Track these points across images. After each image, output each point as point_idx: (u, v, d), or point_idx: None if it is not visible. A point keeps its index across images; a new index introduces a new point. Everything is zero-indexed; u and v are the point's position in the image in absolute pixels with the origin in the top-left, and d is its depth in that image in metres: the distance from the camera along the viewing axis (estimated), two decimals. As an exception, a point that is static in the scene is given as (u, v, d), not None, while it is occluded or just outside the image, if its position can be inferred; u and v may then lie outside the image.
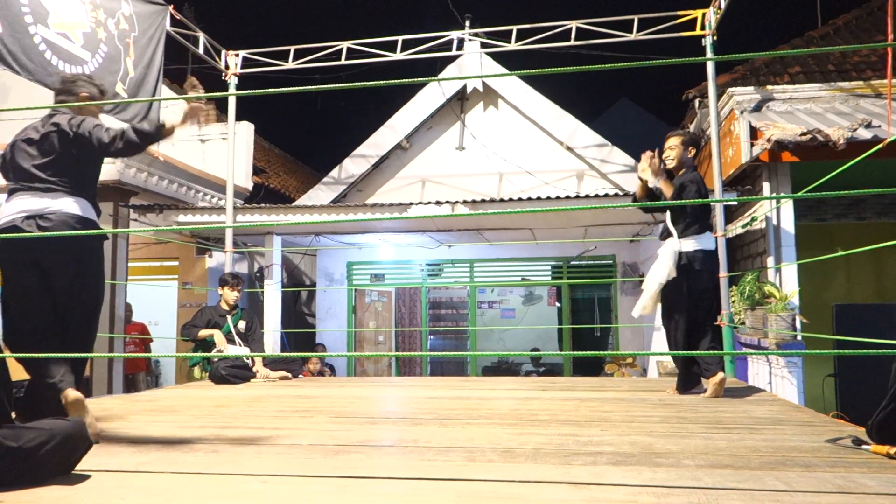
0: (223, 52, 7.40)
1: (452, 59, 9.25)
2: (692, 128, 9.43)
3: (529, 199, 7.65)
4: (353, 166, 9.82)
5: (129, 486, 2.15)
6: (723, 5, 6.20)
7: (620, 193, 7.79)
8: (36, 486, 2.13)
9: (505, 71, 9.61)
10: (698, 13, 6.50)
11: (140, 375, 8.69)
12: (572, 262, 9.75)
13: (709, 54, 6.48)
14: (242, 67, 7.49)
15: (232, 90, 7.45)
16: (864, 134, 6.04)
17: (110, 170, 7.53)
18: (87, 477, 2.24)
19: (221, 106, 12.91)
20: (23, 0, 4.46)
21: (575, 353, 2.28)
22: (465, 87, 9.64)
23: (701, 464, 2.36)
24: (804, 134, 6.00)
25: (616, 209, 7.28)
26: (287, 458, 2.57)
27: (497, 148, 9.62)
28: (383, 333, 10.25)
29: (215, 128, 10.25)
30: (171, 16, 6.39)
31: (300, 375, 6.24)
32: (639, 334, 9.27)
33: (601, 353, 2.55)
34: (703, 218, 4.36)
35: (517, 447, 2.69)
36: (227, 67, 7.44)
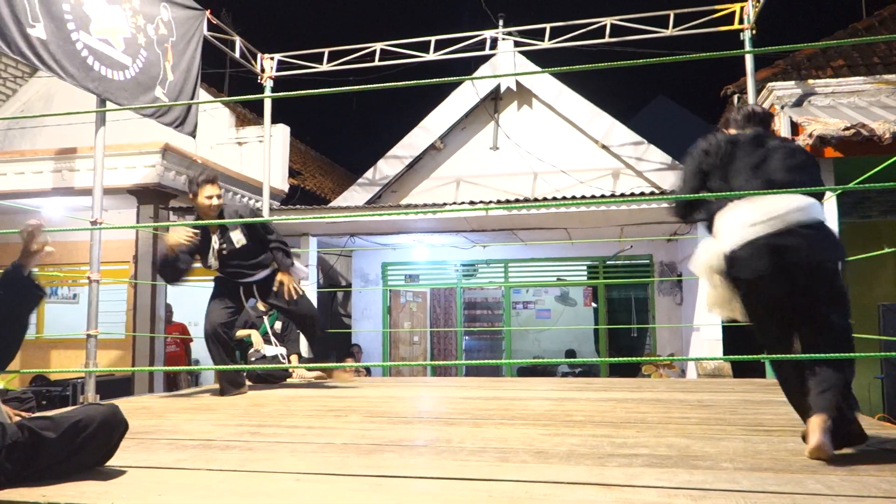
0: (259, 55, 7.50)
1: (486, 58, 9.23)
2: (731, 124, 9.24)
3: (564, 198, 7.58)
4: (387, 167, 9.87)
5: (166, 483, 2.19)
6: (761, -2, 6.07)
7: (657, 192, 7.69)
8: (76, 475, 2.19)
9: (538, 70, 9.56)
10: (736, 7, 6.37)
11: (181, 374, 8.86)
12: (608, 262, 9.65)
13: (747, 49, 6.35)
14: (278, 70, 7.58)
15: (268, 93, 7.54)
16: (912, 128, 5.85)
17: (150, 173, 7.70)
18: (125, 472, 2.29)
19: (258, 109, 13.11)
20: (65, 7, 4.58)
21: (608, 359, 2.25)
22: (498, 86, 9.61)
23: (739, 466, 2.31)
24: (847, 128, 5.83)
25: (653, 208, 7.16)
26: (321, 456, 2.59)
27: (531, 147, 9.57)
28: (418, 334, 10.28)
29: (252, 130, 10.40)
30: (208, 20, 6.50)
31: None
32: (677, 335, 9.13)
33: (636, 359, 2.51)
34: None
35: (551, 448, 2.67)
36: (262, 71, 7.54)
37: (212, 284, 4.99)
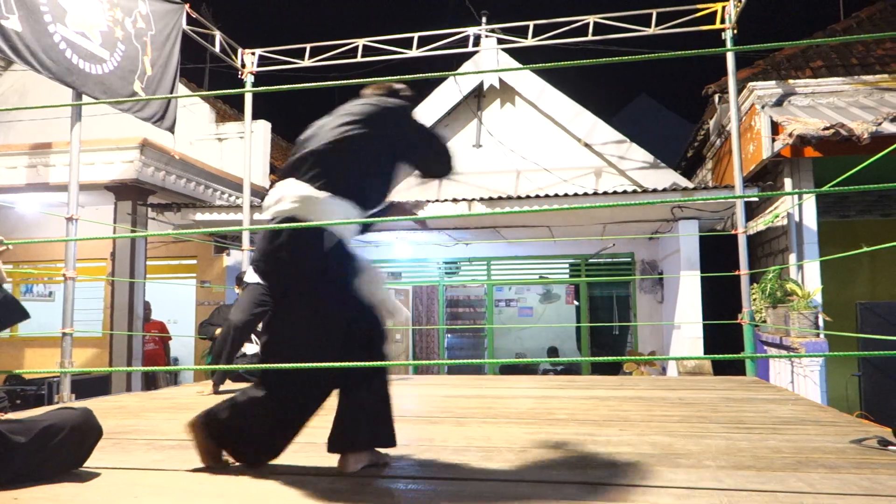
0: (239, 50, 7.42)
1: (469, 55, 9.21)
2: (712, 123, 9.32)
3: (547, 196, 7.59)
4: (369, 164, 9.81)
5: (142, 484, 2.15)
6: (743, -2, 6.10)
7: (639, 190, 7.71)
8: (49, 479, 2.13)
9: (520, 66, 9.54)
10: (718, 6, 6.40)
11: (160, 373, 8.75)
12: (590, 260, 9.67)
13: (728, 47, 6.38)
14: (259, 66, 7.50)
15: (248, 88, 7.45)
16: (889, 128, 5.91)
17: (128, 168, 7.59)
18: (100, 474, 2.24)
19: (238, 105, 12.99)
20: (41, -1, 4.49)
21: (591, 359, 2.24)
22: (481, 84, 9.60)
23: (722, 464, 2.31)
24: (827, 128, 5.89)
25: (634, 206, 7.18)
26: (303, 455, 2.55)
27: (514, 145, 9.56)
28: (400, 332, 10.24)
29: (232, 126, 10.30)
30: (188, 15, 6.41)
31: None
32: (658, 333, 9.18)
33: (618, 358, 2.50)
34: None
35: (534, 447, 2.66)
36: (243, 66, 7.46)
37: (192, 284, 4.91)
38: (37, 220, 9.42)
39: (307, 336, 2.24)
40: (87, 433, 2.24)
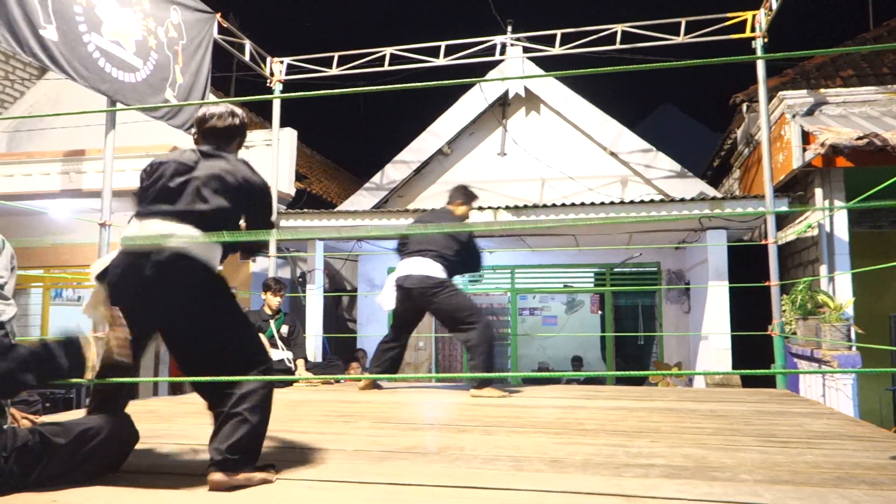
0: (268, 58, 7.50)
1: (495, 64, 9.21)
2: (739, 133, 9.22)
3: (573, 204, 7.55)
4: (394, 172, 9.84)
5: (177, 489, 2.16)
6: (774, 6, 6.04)
7: (665, 199, 7.65)
8: (86, 481, 2.16)
9: (545, 73, 9.53)
10: (748, 15, 6.34)
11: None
12: (616, 269, 9.60)
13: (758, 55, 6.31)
14: (287, 74, 7.57)
15: (277, 94, 7.52)
16: (924, 138, 5.81)
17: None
18: (135, 479, 2.26)
19: (265, 113, 13.11)
20: (77, 9, 4.57)
21: (617, 372, 2.22)
22: (506, 92, 9.59)
23: (759, 479, 2.27)
24: (860, 138, 5.80)
25: (661, 215, 7.12)
26: (332, 463, 2.56)
27: (539, 153, 9.54)
28: (423, 339, 10.23)
29: (259, 134, 10.39)
30: (218, 23, 6.49)
31: (341, 381, 6.26)
32: (684, 343, 9.08)
33: (645, 372, 2.47)
34: None
35: (565, 457, 2.63)
36: (271, 74, 7.54)
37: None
38: (69, 225, 9.57)
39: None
40: (124, 438, 2.27)
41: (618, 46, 6.73)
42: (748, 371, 2.42)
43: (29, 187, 8.10)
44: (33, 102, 11.04)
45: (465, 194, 5.34)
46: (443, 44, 7.17)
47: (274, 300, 6.07)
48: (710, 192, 8.65)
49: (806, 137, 6.52)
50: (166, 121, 5.69)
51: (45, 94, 10.99)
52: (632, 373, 2.21)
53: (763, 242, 6.13)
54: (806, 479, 2.28)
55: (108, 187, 4.96)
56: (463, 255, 5.09)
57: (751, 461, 2.56)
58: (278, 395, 5.03)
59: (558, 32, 6.90)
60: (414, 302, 5.00)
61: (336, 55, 7.44)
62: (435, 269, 4.90)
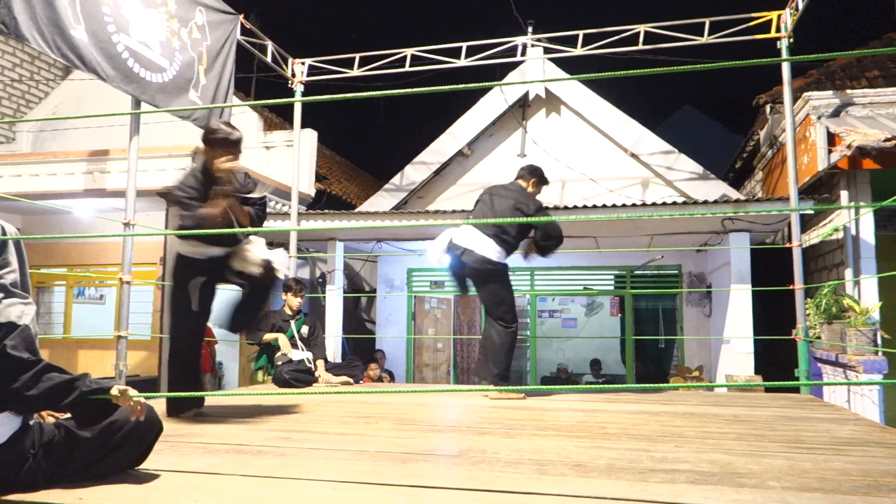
0: (290, 60, 7.53)
1: (515, 65, 9.19)
2: (763, 134, 9.12)
3: (594, 206, 7.51)
4: (414, 173, 9.85)
5: (201, 488, 2.17)
6: (800, 6, 5.95)
7: (688, 201, 7.58)
8: (111, 475, 2.18)
9: (566, 76, 9.48)
10: (773, 14, 6.26)
11: (205, 377, 8.89)
12: (636, 272, 9.53)
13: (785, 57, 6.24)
14: (308, 75, 7.60)
15: (298, 97, 7.56)
16: (954, 140, 5.70)
17: (180, 176, 7.74)
18: (159, 476, 2.28)
19: (285, 114, 13.18)
20: (105, 10, 4.62)
21: (643, 385, 2.20)
22: (526, 93, 9.56)
23: (787, 486, 2.23)
24: (889, 139, 5.71)
25: (683, 218, 7.06)
26: (355, 464, 2.55)
27: (559, 155, 9.50)
28: (442, 341, 10.23)
29: (280, 135, 10.45)
30: (241, 25, 6.53)
31: (361, 381, 6.26)
32: (705, 347, 8.99)
33: (680, 385, 2.45)
34: None
35: (589, 461, 2.61)
36: (293, 75, 7.57)
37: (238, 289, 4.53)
38: (92, 224, 9.68)
39: None
40: (149, 428, 2.29)
41: (640, 47, 6.67)
42: (775, 384, 2.39)
43: (53, 187, 8.21)
44: (58, 103, 11.20)
45: (540, 175, 5.38)
46: (464, 45, 7.16)
47: (294, 300, 6.09)
48: (733, 194, 8.56)
49: (831, 139, 6.42)
50: (192, 121, 5.73)
51: (70, 95, 11.14)
52: (647, 384, 2.17)
53: (787, 245, 6.05)
54: (835, 486, 2.24)
55: (132, 187, 5.01)
56: (523, 236, 5.14)
57: (777, 468, 2.52)
58: (297, 395, 5.05)
59: (580, 33, 6.85)
60: (465, 271, 5.11)
61: (357, 56, 7.46)
62: (494, 252, 4.94)
